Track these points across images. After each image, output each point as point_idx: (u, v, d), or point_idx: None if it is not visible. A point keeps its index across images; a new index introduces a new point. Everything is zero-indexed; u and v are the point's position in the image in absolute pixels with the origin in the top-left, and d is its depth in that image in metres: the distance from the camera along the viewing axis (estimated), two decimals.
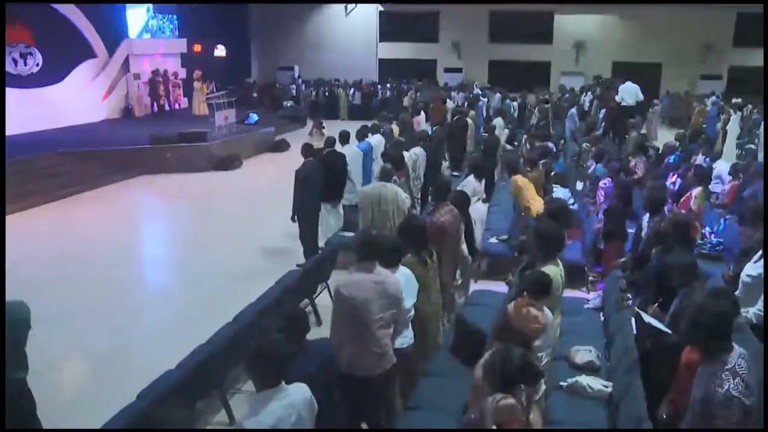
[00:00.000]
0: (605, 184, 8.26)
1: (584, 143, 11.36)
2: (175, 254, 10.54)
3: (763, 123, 14.62)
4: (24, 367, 4.01)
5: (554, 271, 4.56)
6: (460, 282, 5.98)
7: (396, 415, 4.47)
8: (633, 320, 4.91)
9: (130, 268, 9.35)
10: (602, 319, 5.97)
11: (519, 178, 8.16)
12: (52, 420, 4.84)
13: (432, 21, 29.78)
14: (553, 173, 10.24)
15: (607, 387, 4.45)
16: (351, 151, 9.73)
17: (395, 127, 12.89)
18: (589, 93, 20.76)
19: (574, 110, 15.51)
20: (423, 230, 4.98)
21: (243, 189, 14.27)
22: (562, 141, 15.57)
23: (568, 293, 7.12)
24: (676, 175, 9.29)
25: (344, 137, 10.00)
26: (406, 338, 4.55)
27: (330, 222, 9.02)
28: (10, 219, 11.45)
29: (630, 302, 5.27)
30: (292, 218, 8.66)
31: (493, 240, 8.48)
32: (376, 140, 11.00)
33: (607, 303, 5.98)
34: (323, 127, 12.67)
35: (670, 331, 4.25)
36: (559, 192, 8.43)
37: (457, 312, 5.66)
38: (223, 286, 8.23)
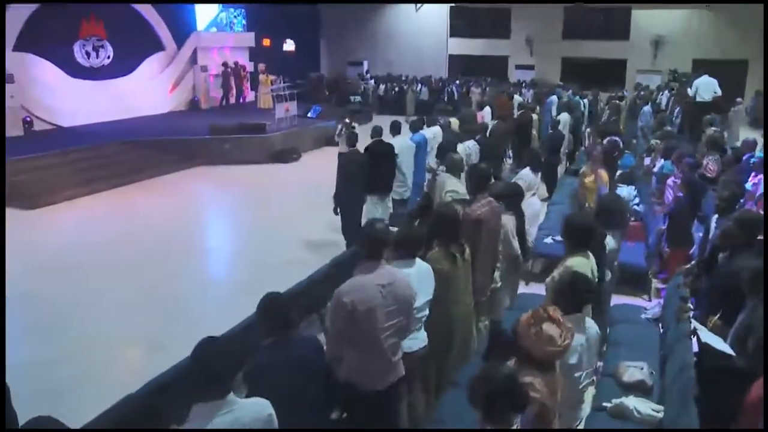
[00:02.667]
0: (673, 182, 7.48)
1: (653, 140, 10.53)
2: (221, 244, 10.47)
3: None
4: None
5: (581, 263, 3.98)
6: (499, 284, 5.42)
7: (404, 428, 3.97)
8: (695, 335, 4.23)
9: (175, 256, 9.22)
10: (661, 331, 5.30)
11: (604, 175, 7.58)
12: (60, 408, 4.63)
13: (504, 16, 29.00)
14: (619, 172, 9.55)
15: (657, 412, 3.83)
16: (402, 142, 9.25)
17: (454, 121, 12.36)
18: (666, 91, 19.58)
19: (647, 107, 14.59)
20: (453, 222, 4.43)
21: (298, 182, 14.05)
22: (634, 140, 14.72)
23: (626, 300, 6.51)
24: (758, 175, 8.39)
25: (395, 128, 9.53)
26: (417, 340, 4.03)
27: (375, 215, 8.59)
28: (73, 203, 12.07)
29: (692, 314, 4.59)
30: (335, 210, 8.30)
31: (548, 240, 7.86)
32: (432, 133, 10.50)
33: (666, 313, 5.27)
34: (353, 128, 11.41)
35: (733, 353, 3.59)
36: (622, 190, 7.76)
37: (492, 317, 5.13)
38: (263, 277, 7.92)
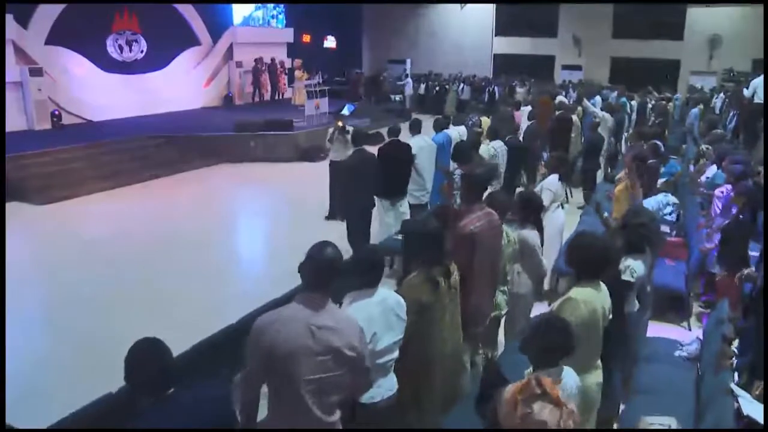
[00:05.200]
0: (722, 192, 6.47)
1: (703, 145, 9.50)
2: (228, 249, 9.74)
3: None
4: None
5: (588, 296, 3.18)
6: (504, 312, 4.60)
7: None
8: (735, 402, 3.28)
9: (184, 255, 8.70)
10: (699, 372, 4.36)
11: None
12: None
13: (551, 15, 27.87)
14: (662, 180, 8.59)
15: None
16: (421, 142, 8.47)
17: (485, 119, 11.55)
18: (722, 93, 18.20)
19: (696, 109, 13.43)
20: (436, 238, 3.59)
21: (322, 181, 13.34)
22: (684, 145, 13.63)
23: (661, 328, 5.63)
24: None
25: (415, 126, 8.78)
26: (381, 388, 3.22)
27: (388, 221, 7.89)
28: (92, 197, 11.74)
29: (735, 361, 3.66)
30: (328, 216, 7.54)
31: None
32: (458, 132, 9.74)
33: (705, 352, 4.34)
34: (347, 132, 10.04)
35: None
36: (650, 201, 6.80)
37: (489, 353, 4.30)
38: (274, 286, 7.32)
